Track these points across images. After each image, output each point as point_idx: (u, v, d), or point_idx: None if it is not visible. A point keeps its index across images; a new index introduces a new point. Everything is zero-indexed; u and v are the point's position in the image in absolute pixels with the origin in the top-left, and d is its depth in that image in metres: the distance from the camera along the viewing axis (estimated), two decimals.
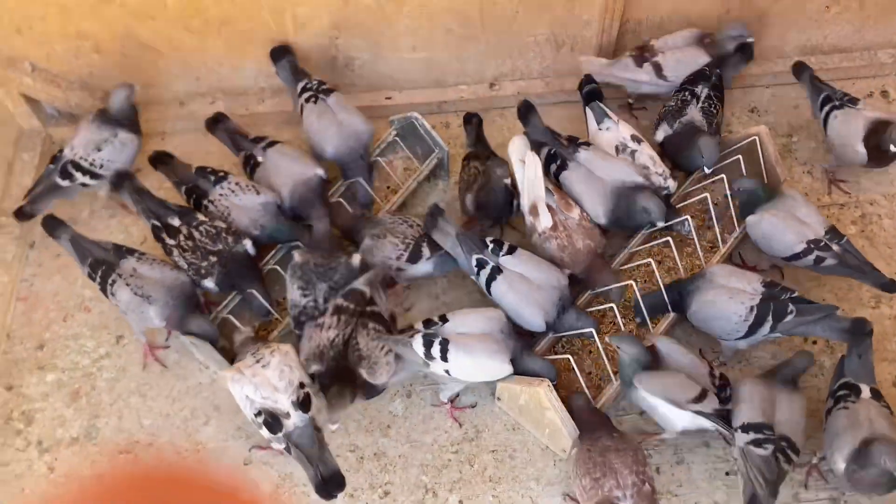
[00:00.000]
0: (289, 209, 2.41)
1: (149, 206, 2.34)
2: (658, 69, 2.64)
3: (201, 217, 2.30)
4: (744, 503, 1.95)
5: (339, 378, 2.06)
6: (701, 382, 2.04)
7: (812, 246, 2.25)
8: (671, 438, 2.13)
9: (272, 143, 2.50)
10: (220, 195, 2.37)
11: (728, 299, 2.14)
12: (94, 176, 2.47)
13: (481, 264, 2.19)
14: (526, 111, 2.48)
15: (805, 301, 2.15)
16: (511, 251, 2.21)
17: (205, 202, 2.38)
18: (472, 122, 2.55)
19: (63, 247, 2.31)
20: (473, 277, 2.25)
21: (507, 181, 2.37)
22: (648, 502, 1.88)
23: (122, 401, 2.29)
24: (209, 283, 2.25)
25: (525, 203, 2.33)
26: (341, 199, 2.47)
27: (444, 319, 2.14)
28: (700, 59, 2.62)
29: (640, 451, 1.97)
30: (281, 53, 2.60)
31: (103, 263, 2.22)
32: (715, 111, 2.53)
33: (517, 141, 2.39)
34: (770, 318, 2.12)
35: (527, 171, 2.30)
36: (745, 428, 1.97)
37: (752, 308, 2.12)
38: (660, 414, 2.06)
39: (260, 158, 2.47)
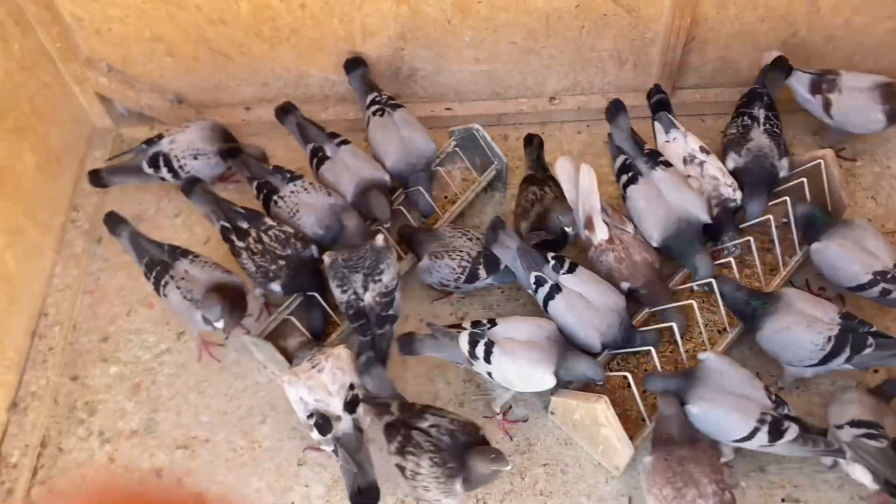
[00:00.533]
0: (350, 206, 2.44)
1: (219, 207, 2.38)
2: (827, 105, 2.59)
3: (269, 222, 2.34)
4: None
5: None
6: (756, 401, 2.01)
7: (878, 278, 2.21)
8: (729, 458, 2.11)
9: (345, 142, 2.54)
10: (292, 192, 2.41)
11: (806, 327, 2.10)
12: (176, 176, 2.55)
13: (540, 282, 2.19)
14: (616, 111, 2.42)
15: (883, 335, 2.11)
16: (572, 269, 2.20)
17: (275, 198, 2.42)
18: (533, 143, 2.54)
19: (122, 244, 2.36)
20: (531, 293, 2.25)
21: (568, 227, 2.32)
22: None
23: (181, 396, 2.34)
24: (276, 287, 2.29)
25: (580, 217, 2.33)
26: (402, 208, 2.50)
27: (493, 323, 2.15)
28: (872, 114, 2.53)
29: (715, 459, 1.95)
30: (355, 65, 2.64)
31: (158, 263, 2.27)
32: (779, 131, 2.50)
33: (563, 161, 2.37)
34: (848, 349, 2.08)
35: (581, 182, 2.30)
36: (855, 423, 1.97)
37: (829, 338, 2.09)
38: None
39: (329, 153, 2.51)
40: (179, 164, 2.54)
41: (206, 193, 2.40)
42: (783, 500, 2.13)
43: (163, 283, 2.25)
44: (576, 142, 2.84)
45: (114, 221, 2.37)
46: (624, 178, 2.38)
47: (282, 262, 2.28)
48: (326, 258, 2.26)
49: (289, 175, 2.47)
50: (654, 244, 2.32)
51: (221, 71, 2.70)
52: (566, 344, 2.13)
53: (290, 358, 2.21)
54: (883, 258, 2.24)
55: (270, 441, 2.26)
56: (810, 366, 2.14)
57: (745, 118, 2.51)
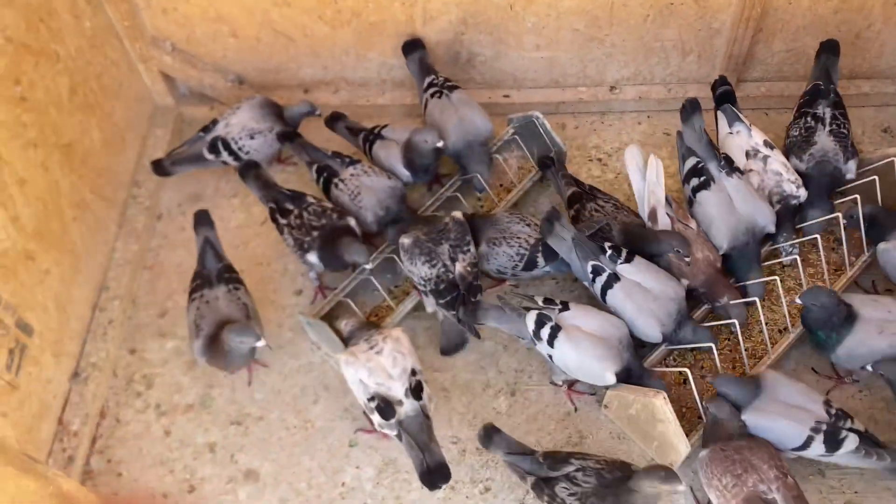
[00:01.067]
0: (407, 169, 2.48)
1: (269, 192, 2.41)
2: None
3: (311, 199, 2.37)
4: None
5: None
6: (812, 412, 1.96)
7: None
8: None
9: (385, 125, 2.58)
10: (352, 175, 2.43)
11: (878, 335, 2.03)
12: (237, 158, 2.58)
13: (597, 271, 2.16)
14: (691, 110, 2.32)
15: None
16: (629, 259, 2.17)
17: (335, 181, 2.44)
18: (550, 165, 2.47)
19: (197, 241, 2.36)
20: (588, 284, 2.22)
21: (687, 258, 2.22)
22: (796, 493, 1.83)
23: (237, 373, 2.37)
24: (313, 258, 2.30)
25: (644, 208, 2.29)
26: (458, 194, 2.49)
27: (565, 306, 2.12)
28: None
29: (772, 447, 1.91)
30: (413, 47, 2.64)
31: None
32: (846, 131, 2.40)
33: (633, 150, 2.34)
34: None
35: (648, 174, 2.27)
36: None
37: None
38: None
39: (377, 132, 2.55)
40: (238, 146, 2.57)
41: (258, 177, 2.42)
42: None
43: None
44: (636, 132, 2.79)
45: (200, 219, 2.37)
46: (695, 181, 2.31)
47: (315, 233, 2.30)
48: (407, 239, 2.26)
49: (348, 159, 2.48)
50: (721, 252, 2.28)
51: (283, 53, 2.72)
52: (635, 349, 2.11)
53: (344, 340, 2.21)
54: None
55: (323, 421, 2.28)
56: None
57: (809, 119, 2.41)
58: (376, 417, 2.02)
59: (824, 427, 1.94)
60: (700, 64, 2.73)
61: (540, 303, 2.15)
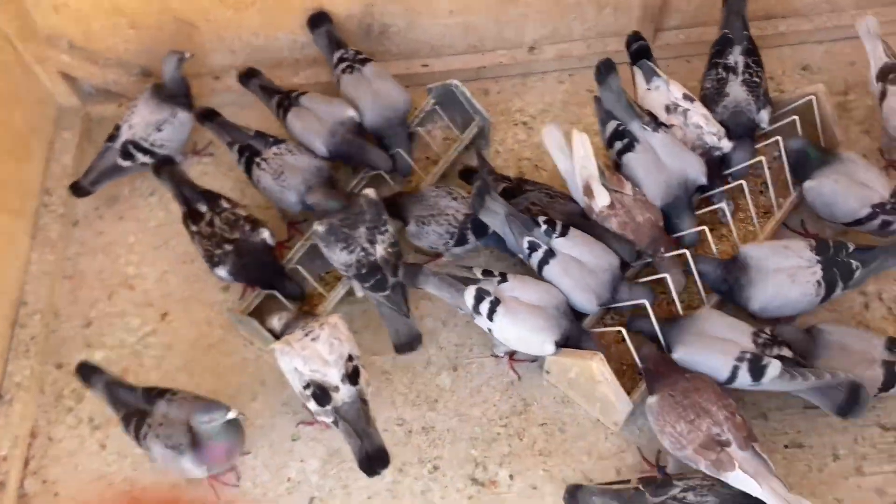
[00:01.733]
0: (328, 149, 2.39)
1: (183, 192, 2.30)
2: None
3: (225, 204, 2.26)
4: None
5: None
6: (737, 343, 1.97)
7: (877, 210, 2.15)
8: None
9: (304, 93, 2.48)
10: (276, 154, 2.34)
11: (791, 283, 2.05)
12: (153, 155, 2.47)
13: (533, 247, 2.12)
14: (606, 71, 2.24)
15: (862, 250, 2.06)
16: (564, 232, 2.13)
17: (257, 160, 2.35)
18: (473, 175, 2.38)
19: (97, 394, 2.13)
20: (524, 259, 2.18)
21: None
22: (746, 431, 1.84)
23: (170, 378, 2.29)
24: (222, 273, 2.22)
25: (578, 184, 2.23)
26: (382, 173, 2.42)
27: (504, 277, 2.09)
28: None
29: (716, 385, 1.92)
30: (319, 21, 2.54)
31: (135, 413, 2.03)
32: (759, 80, 2.36)
33: (551, 130, 2.25)
34: (840, 281, 2.04)
35: (575, 151, 2.19)
36: None
37: (818, 282, 2.04)
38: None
39: (291, 102, 2.44)
40: (150, 143, 2.46)
41: (172, 175, 2.32)
42: (786, 447, 2.10)
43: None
44: (558, 92, 2.75)
45: (86, 372, 2.12)
46: (618, 145, 2.27)
47: (228, 247, 2.20)
48: (320, 226, 2.18)
49: (272, 140, 2.39)
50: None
51: (187, 41, 2.60)
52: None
53: (278, 336, 2.15)
54: (879, 190, 2.18)
55: (262, 418, 2.22)
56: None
57: (720, 70, 2.37)
58: (312, 405, 1.97)
59: (748, 356, 1.94)
60: (617, 16, 2.68)
61: (478, 275, 2.11)
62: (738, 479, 1.80)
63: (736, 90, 2.34)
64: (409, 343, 2.19)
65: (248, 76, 2.54)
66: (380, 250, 2.16)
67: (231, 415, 1.90)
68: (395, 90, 2.46)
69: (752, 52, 2.39)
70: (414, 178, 2.54)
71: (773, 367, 1.93)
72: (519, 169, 2.59)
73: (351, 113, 2.41)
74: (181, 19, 2.53)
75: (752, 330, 2.02)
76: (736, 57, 2.37)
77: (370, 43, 2.66)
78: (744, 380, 1.96)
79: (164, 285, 2.45)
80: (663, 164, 2.23)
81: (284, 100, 2.46)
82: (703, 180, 2.25)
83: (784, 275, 2.05)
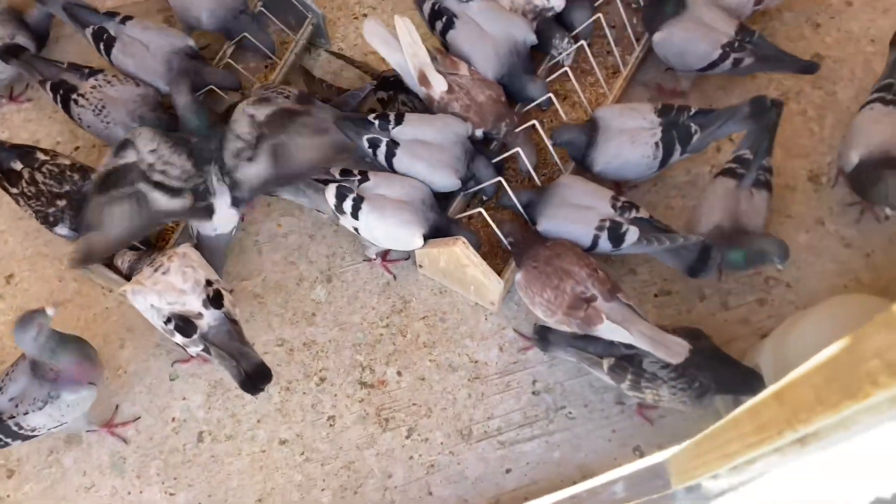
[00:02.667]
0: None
1: None
2: None
3: (42, 157, 2.07)
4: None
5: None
6: (597, 210, 1.99)
7: (728, 49, 2.16)
8: None
9: (128, 17, 2.25)
10: (94, 87, 2.15)
11: (631, 144, 2.05)
12: None
13: (375, 143, 2.05)
14: None
15: (702, 113, 2.07)
16: (399, 121, 2.06)
17: (74, 96, 2.15)
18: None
19: None
20: (371, 159, 2.11)
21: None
22: (610, 286, 1.88)
23: None
24: (63, 231, 2.07)
25: (412, 73, 2.13)
26: (230, 61, 2.28)
27: (364, 177, 2.02)
28: None
29: (576, 247, 1.94)
30: None
31: None
32: None
33: (372, 24, 2.14)
34: (678, 145, 2.06)
35: (402, 40, 2.08)
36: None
37: (657, 144, 2.05)
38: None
39: (114, 33, 2.23)
40: None
41: None
42: (656, 296, 2.17)
43: None
44: None
45: None
46: (439, 24, 2.19)
47: (62, 202, 2.04)
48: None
49: (87, 70, 2.19)
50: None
51: None
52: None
53: (128, 276, 2.03)
54: (725, 29, 2.18)
55: (135, 364, 2.13)
56: (654, 173, 2.12)
57: None
58: (178, 338, 1.89)
59: (607, 224, 1.97)
60: None
61: (337, 175, 2.03)
62: (608, 330, 1.84)
63: None
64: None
65: None
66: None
67: (50, 312, 1.78)
68: None
69: None
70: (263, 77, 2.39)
71: (632, 234, 1.96)
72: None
73: (187, 41, 2.23)
74: None
75: (611, 194, 2.03)
76: None
77: None
78: (605, 247, 1.99)
79: (2, 246, 2.28)
80: (487, 33, 2.16)
81: (103, 32, 2.23)
82: (532, 38, 2.20)
83: (626, 136, 2.06)
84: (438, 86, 2.12)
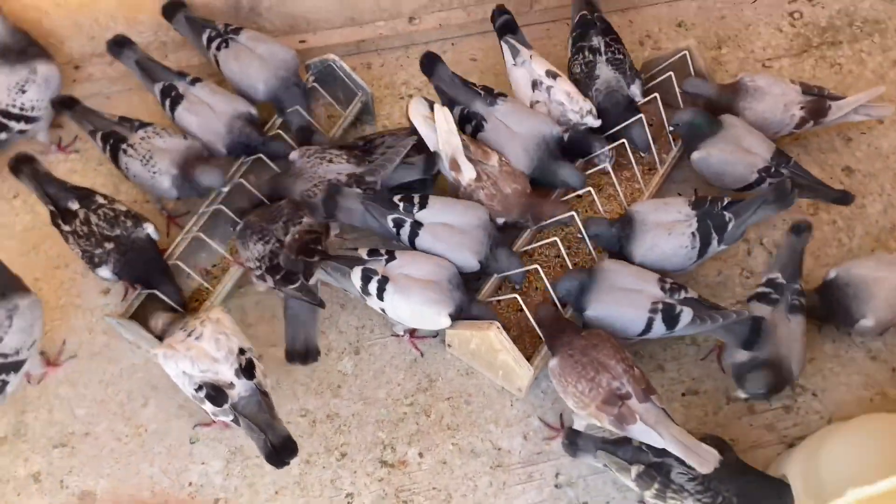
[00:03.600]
0: (227, 147, 2.28)
1: (47, 190, 2.13)
2: None
3: (101, 200, 2.12)
4: None
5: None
6: (647, 293, 2.00)
7: (764, 174, 2.22)
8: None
9: (198, 79, 2.33)
10: (142, 138, 2.20)
11: (668, 236, 2.09)
12: (28, 120, 2.31)
13: (399, 223, 2.09)
14: (430, 64, 2.26)
15: (735, 202, 2.11)
16: (424, 203, 2.11)
17: (123, 146, 2.20)
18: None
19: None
20: (395, 239, 2.14)
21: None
22: (644, 383, 1.87)
23: (51, 392, 2.15)
24: (105, 272, 2.08)
25: (444, 160, 2.19)
26: (280, 132, 2.34)
27: (391, 256, 2.04)
28: None
29: (613, 339, 1.94)
30: (172, 10, 2.40)
31: None
32: (622, 55, 2.36)
33: (418, 102, 2.21)
34: (714, 234, 2.09)
35: (438, 125, 2.15)
36: None
37: (693, 234, 2.08)
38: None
39: (182, 91, 2.30)
40: (20, 108, 2.29)
41: (33, 173, 2.14)
42: (683, 395, 2.17)
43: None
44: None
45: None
46: (469, 128, 2.27)
47: (109, 245, 2.07)
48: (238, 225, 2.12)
49: (137, 123, 2.25)
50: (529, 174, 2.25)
51: (38, 27, 2.40)
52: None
53: (160, 337, 2.03)
54: (762, 153, 2.24)
55: (157, 423, 2.11)
56: (693, 264, 2.15)
57: (586, 53, 2.36)
58: (208, 406, 1.88)
59: (661, 306, 1.98)
60: None
61: (364, 256, 2.06)
62: (640, 431, 1.83)
63: (604, 71, 2.34)
64: (303, 353, 2.06)
65: (119, 45, 2.35)
66: (289, 238, 2.05)
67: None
68: (279, 49, 2.37)
69: (607, 30, 2.40)
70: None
71: (686, 314, 1.98)
72: None
73: (249, 108, 2.31)
74: (27, 4, 2.33)
75: (657, 277, 2.06)
76: (597, 38, 2.37)
77: (242, 21, 2.53)
78: (659, 330, 2.00)
79: (36, 294, 2.27)
80: (515, 132, 2.22)
81: (172, 89, 2.31)
82: (557, 130, 2.25)
83: (662, 228, 2.10)
84: (468, 173, 2.17)
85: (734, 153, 2.23)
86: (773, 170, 2.22)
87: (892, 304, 2.08)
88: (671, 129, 2.34)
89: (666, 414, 1.86)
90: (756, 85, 2.34)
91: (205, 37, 2.38)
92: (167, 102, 2.31)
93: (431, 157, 2.19)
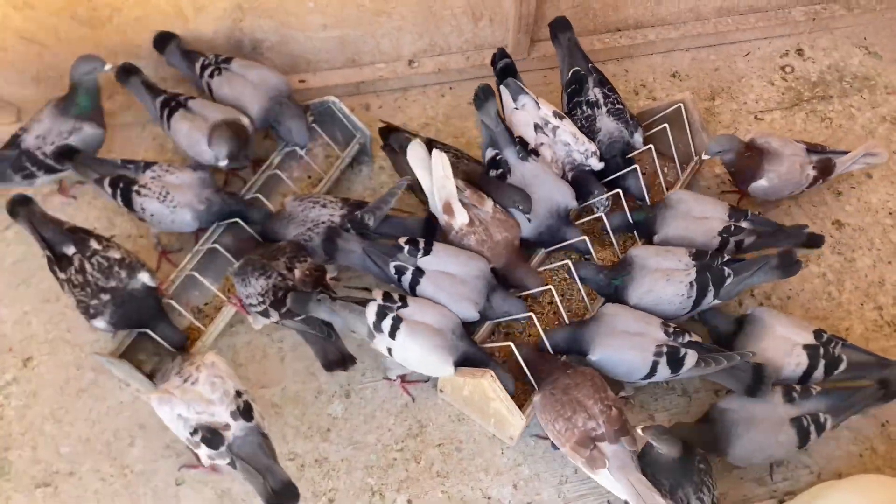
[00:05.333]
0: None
1: (43, 234, 2.11)
2: None
3: (95, 246, 2.09)
4: None
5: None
6: (651, 336, 2.01)
7: (726, 234, 2.23)
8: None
9: (191, 98, 2.37)
10: (153, 178, 2.21)
11: (666, 282, 2.10)
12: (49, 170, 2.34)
13: (401, 271, 2.09)
14: (485, 97, 2.22)
15: (736, 260, 2.14)
16: (428, 250, 2.11)
17: (135, 188, 2.20)
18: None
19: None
20: (395, 284, 2.13)
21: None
22: (620, 424, 1.88)
23: (36, 429, 2.12)
24: (100, 324, 2.06)
25: (437, 203, 2.20)
26: (259, 195, 2.33)
27: (404, 303, 2.04)
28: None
29: (596, 378, 1.95)
30: (164, 42, 2.43)
31: None
32: (621, 106, 2.40)
33: (416, 147, 2.21)
34: (711, 286, 2.10)
35: (434, 171, 2.16)
36: None
37: (691, 284, 2.10)
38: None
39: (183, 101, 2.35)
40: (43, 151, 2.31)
41: (29, 215, 2.12)
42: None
43: None
44: (441, 105, 2.73)
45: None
46: (493, 173, 2.29)
47: (105, 297, 2.05)
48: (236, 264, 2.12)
49: (143, 164, 2.25)
50: (527, 236, 2.26)
51: (37, 61, 2.41)
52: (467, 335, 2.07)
53: (151, 374, 2.02)
54: (718, 215, 2.25)
55: (143, 464, 2.08)
56: (687, 314, 2.16)
57: (584, 107, 2.39)
58: (204, 450, 1.85)
59: (665, 349, 1.99)
60: (493, 28, 2.69)
61: (379, 299, 2.04)
62: (607, 480, 1.85)
63: (606, 123, 2.37)
64: (341, 360, 2.05)
65: (127, 73, 2.37)
66: (298, 273, 2.06)
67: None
68: (270, 74, 2.42)
69: (603, 81, 2.43)
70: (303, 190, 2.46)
71: (690, 357, 1.99)
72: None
73: (244, 120, 2.33)
74: (28, 38, 2.33)
75: (659, 321, 2.06)
76: (594, 91, 2.39)
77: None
78: (663, 373, 2.00)
79: (25, 328, 2.26)
80: (534, 194, 2.23)
81: (171, 100, 2.34)
82: (573, 204, 2.28)
83: (660, 273, 2.11)
84: (460, 217, 2.17)
85: (689, 226, 2.24)
86: (732, 228, 2.24)
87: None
88: (623, 229, 2.36)
89: (633, 459, 1.86)
90: (772, 147, 2.35)
91: (198, 65, 2.41)
92: (164, 113, 2.34)
93: (431, 224, 2.19)
